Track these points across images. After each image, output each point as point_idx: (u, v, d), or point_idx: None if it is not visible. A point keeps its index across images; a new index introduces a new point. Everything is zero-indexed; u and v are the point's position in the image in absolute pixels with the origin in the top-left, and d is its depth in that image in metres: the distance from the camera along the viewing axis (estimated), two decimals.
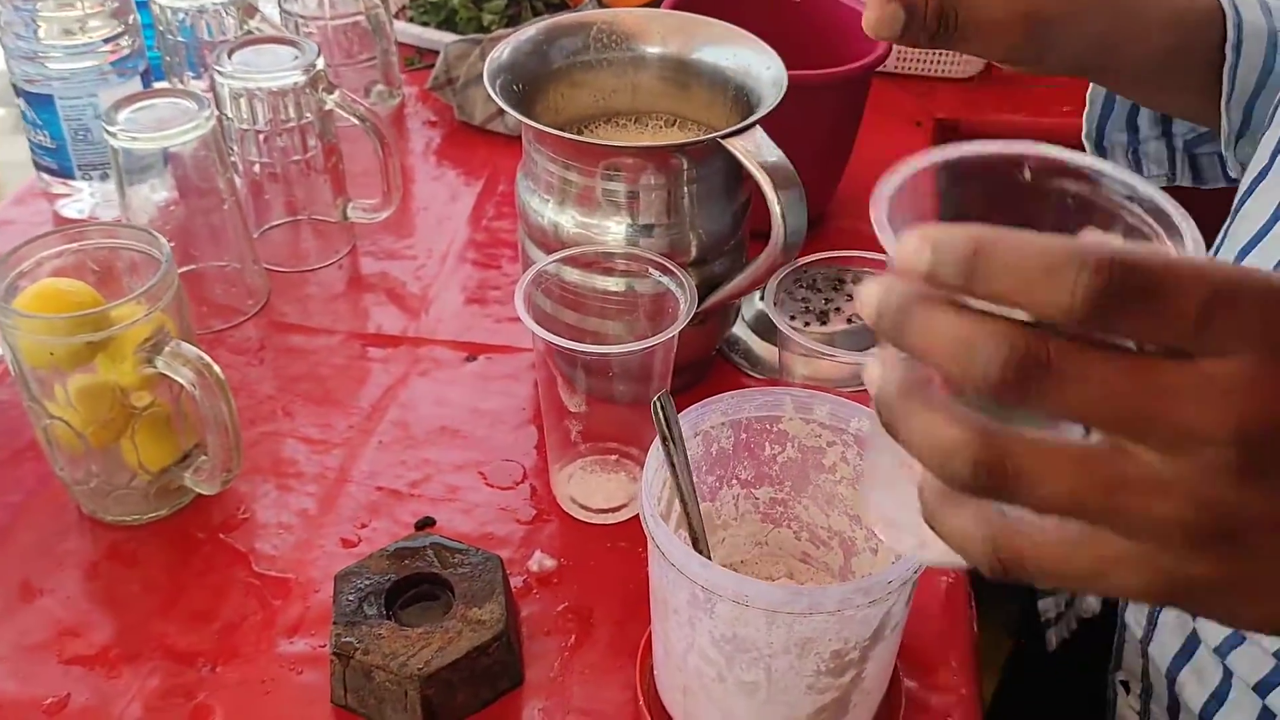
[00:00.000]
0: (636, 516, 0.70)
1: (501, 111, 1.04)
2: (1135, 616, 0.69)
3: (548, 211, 0.72)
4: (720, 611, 0.50)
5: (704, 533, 0.56)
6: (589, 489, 0.72)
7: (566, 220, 0.71)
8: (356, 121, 0.85)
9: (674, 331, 0.62)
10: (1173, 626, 0.65)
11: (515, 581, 0.66)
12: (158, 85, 0.99)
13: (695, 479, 0.57)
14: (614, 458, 0.73)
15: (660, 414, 0.54)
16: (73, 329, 0.61)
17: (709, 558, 0.57)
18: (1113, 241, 0.32)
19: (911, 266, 0.30)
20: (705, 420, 0.57)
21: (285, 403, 0.78)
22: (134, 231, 0.66)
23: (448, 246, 0.94)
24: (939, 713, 0.60)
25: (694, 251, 0.71)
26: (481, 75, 1.05)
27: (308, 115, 0.85)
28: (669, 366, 0.66)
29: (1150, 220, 0.34)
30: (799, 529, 0.62)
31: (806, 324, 0.73)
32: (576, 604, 0.65)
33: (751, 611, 0.49)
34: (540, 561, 0.67)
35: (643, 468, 0.71)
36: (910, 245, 0.30)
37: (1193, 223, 0.33)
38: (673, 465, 0.55)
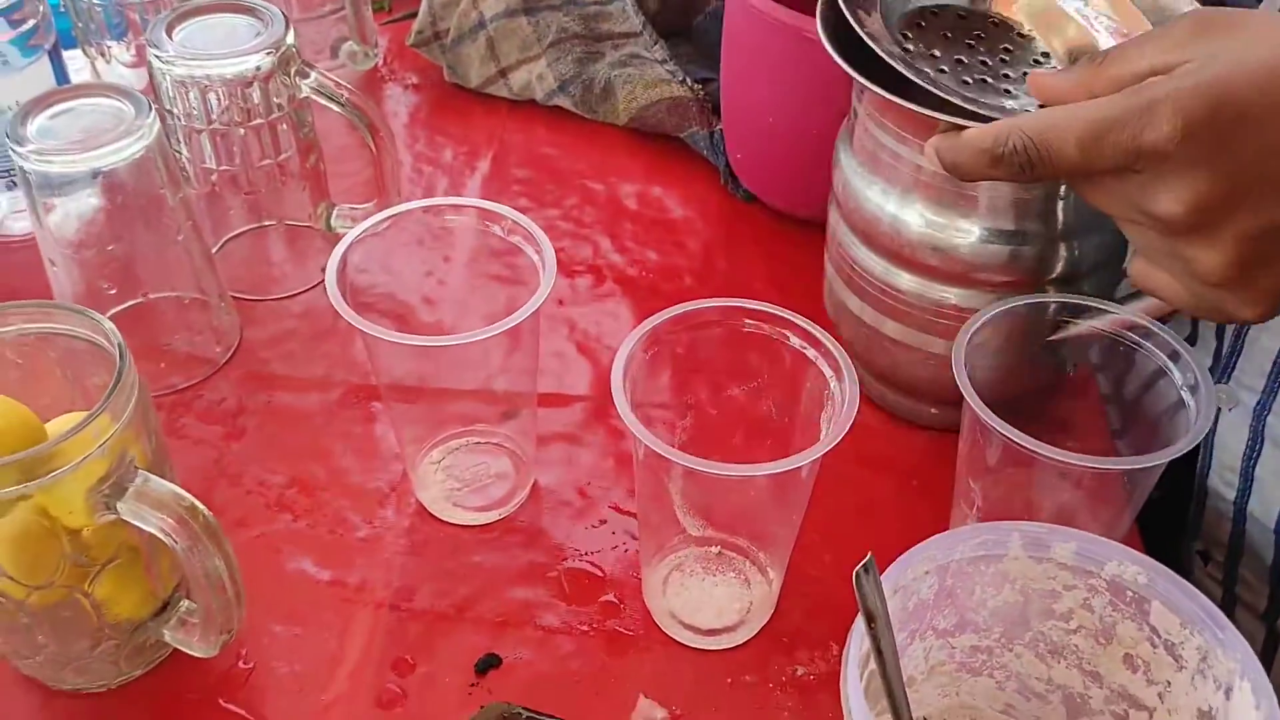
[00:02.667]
0: (756, 638, 0.55)
1: (504, 72, 0.85)
2: (1224, 478, 0.64)
3: (890, 205, 0.57)
4: None
5: None
6: (693, 600, 0.56)
7: (913, 216, 0.56)
8: (339, 110, 0.66)
9: (832, 444, 0.45)
10: (1273, 480, 0.61)
11: None
12: (69, 54, 0.79)
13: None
14: (715, 550, 0.58)
15: (867, 588, 0.38)
16: None
17: None
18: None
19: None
20: (908, 574, 0.42)
21: (280, 491, 0.61)
22: (72, 315, 0.48)
23: (458, 252, 0.75)
24: None
25: (1059, 267, 0.56)
26: (477, 26, 0.85)
27: (278, 106, 0.65)
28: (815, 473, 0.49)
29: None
30: (1004, 679, 0.47)
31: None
32: None
33: None
34: (649, 714, 0.52)
35: (753, 564, 0.56)
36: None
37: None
38: (879, 652, 0.39)
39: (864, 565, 0.38)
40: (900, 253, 0.57)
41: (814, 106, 0.69)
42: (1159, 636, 0.41)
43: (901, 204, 0.57)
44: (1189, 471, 0.68)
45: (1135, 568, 0.41)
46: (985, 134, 0.45)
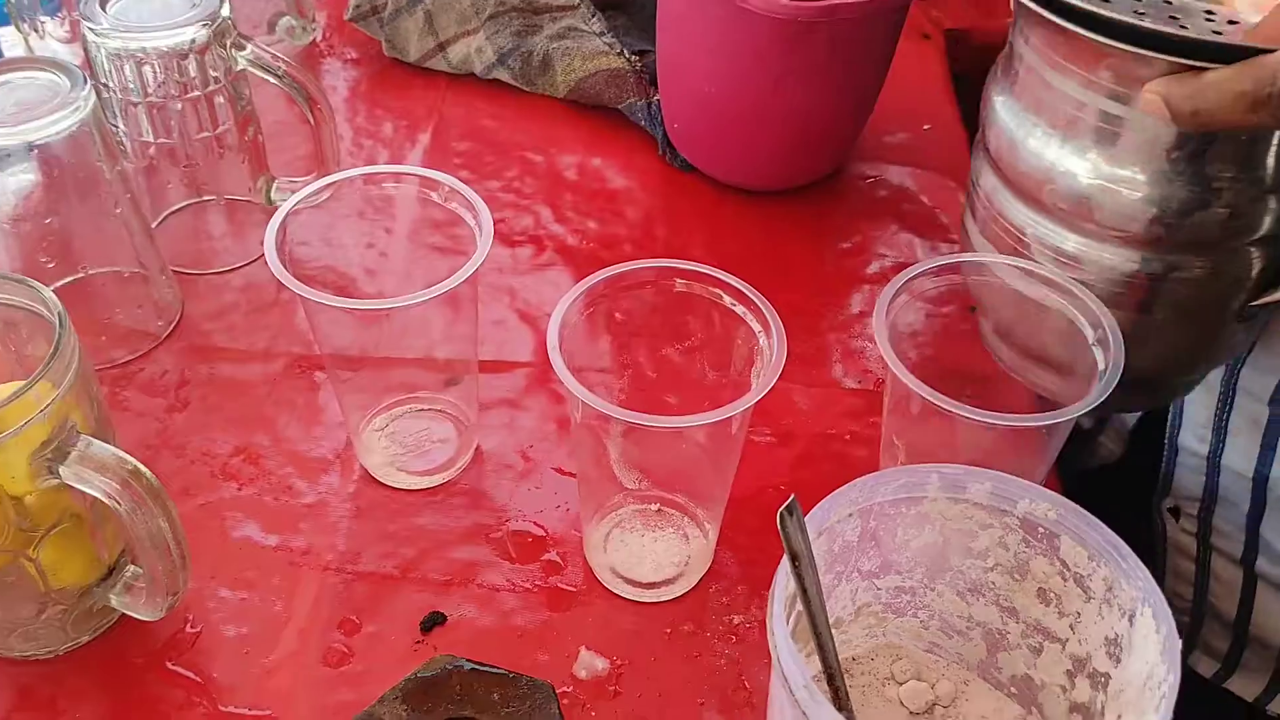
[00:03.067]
0: (694, 590, 0.57)
1: (442, 46, 0.86)
2: (1196, 434, 0.66)
3: (1049, 152, 0.51)
4: None
5: (840, 670, 0.43)
6: (633, 555, 0.57)
7: (1083, 167, 0.50)
8: (276, 82, 0.67)
9: (759, 396, 0.47)
10: (1248, 429, 0.63)
11: (559, 695, 0.52)
12: (2, 30, 0.79)
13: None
14: (654, 508, 0.59)
15: (791, 528, 0.40)
16: None
17: (849, 704, 0.43)
18: None
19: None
20: (831, 516, 0.43)
21: (225, 460, 0.62)
22: (10, 284, 0.48)
23: (402, 224, 0.76)
24: None
25: (1266, 224, 0.50)
26: (415, 0, 0.86)
27: (214, 79, 0.65)
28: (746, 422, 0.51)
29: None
30: (928, 618, 0.49)
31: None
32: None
33: None
34: (589, 665, 0.53)
35: (692, 520, 0.58)
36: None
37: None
38: (804, 591, 0.41)
39: (787, 507, 0.40)
40: (1082, 213, 0.51)
41: (748, 75, 0.71)
42: (1069, 570, 0.43)
43: (1095, 157, 0.49)
44: (1159, 432, 0.70)
45: (1045, 504, 0.43)
46: (1241, 75, 0.40)
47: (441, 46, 0.86)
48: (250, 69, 0.66)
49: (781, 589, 0.41)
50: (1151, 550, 0.73)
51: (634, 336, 0.59)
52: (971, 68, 0.94)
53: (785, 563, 0.40)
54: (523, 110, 0.85)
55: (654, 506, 0.59)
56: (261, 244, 0.55)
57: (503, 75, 0.86)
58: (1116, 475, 0.79)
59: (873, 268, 0.75)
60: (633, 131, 0.83)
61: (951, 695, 0.49)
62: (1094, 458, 0.81)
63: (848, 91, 0.73)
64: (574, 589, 0.57)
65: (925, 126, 0.86)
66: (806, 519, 0.42)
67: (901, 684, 0.49)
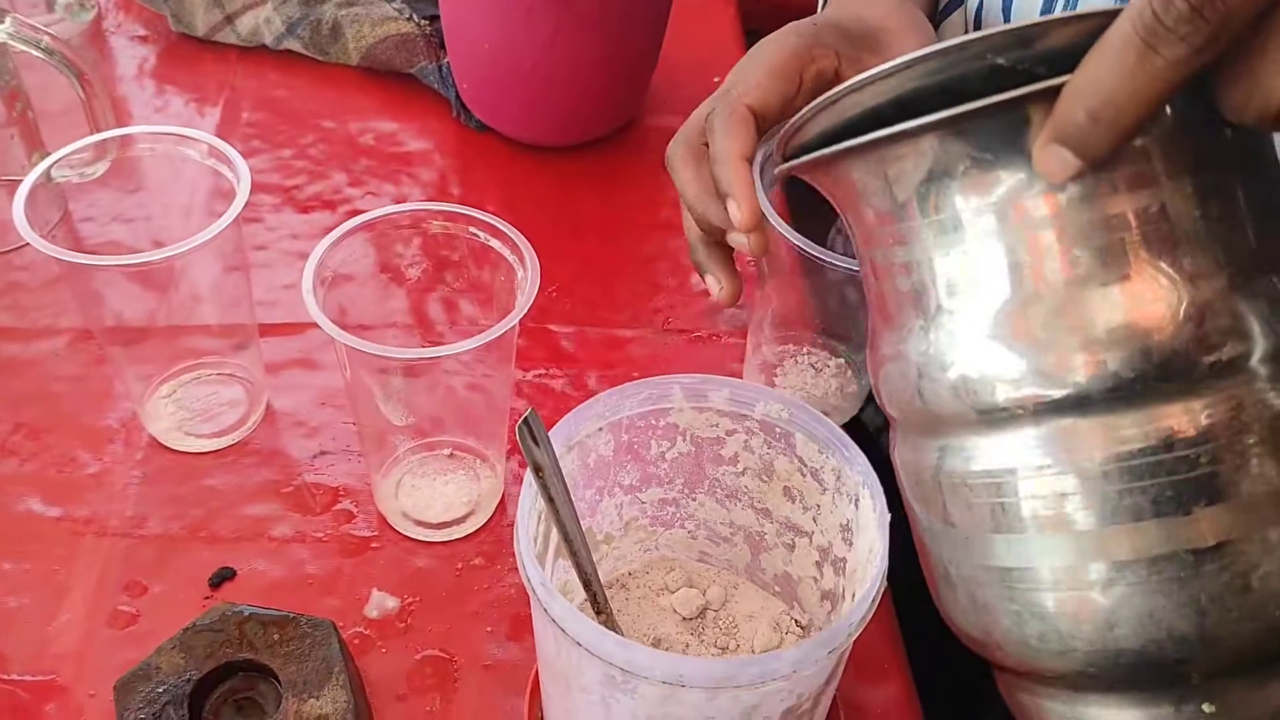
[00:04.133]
0: (486, 526, 0.58)
1: (230, 18, 0.85)
2: None
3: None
4: (645, 692, 0.39)
5: (597, 575, 0.45)
6: (423, 499, 0.59)
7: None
8: (40, 55, 0.66)
9: (515, 319, 0.49)
10: None
11: (350, 636, 0.53)
12: None
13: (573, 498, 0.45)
14: (447, 452, 0.60)
15: (529, 440, 0.42)
16: None
17: (608, 608, 0.46)
18: None
19: None
20: (580, 430, 0.45)
21: (4, 438, 0.61)
22: None
23: (190, 197, 0.75)
24: (876, 713, 0.52)
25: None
26: None
27: None
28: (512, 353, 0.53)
29: None
30: (694, 528, 0.52)
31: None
32: (435, 651, 0.53)
33: (687, 690, 0.38)
34: (380, 604, 0.54)
35: (483, 460, 0.60)
36: None
37: None
38: (551, 499, 0.43)
39: (524, 419, 0.41)
40: None
41: (523, 32, 0.72)
42: (805, 465, 0.46)
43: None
44: None
45: (778, 405, 0.46)
46: (1109, 36, 0.30)
47: (229, 19, 0.85)
48: (11, 43, 0.65)
49: (529, 501, 0.42)
50: None
51: (405, 288, 0.61)
52: (763, 23, 0.98)
53: (529, 475, 0.42)
54: (316, 79, 0.85)
55: (445, 452, 0.60)
56: (46, 223, 0.54)
57: (294, 45, 0.85)
58: None
59: (664, 215, 0.77)
60: (427, 95, 0.84)
61: (722, 599, 0.52)
62: None
63: (626, 44, 0.75)
64: (366, 535, 0.58)
65: (715, 78, 0.89)
66: (552, 432, 0.44)
67: (674, 593, 0.52)
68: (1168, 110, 0.32)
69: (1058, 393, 0.34)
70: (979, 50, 0.34)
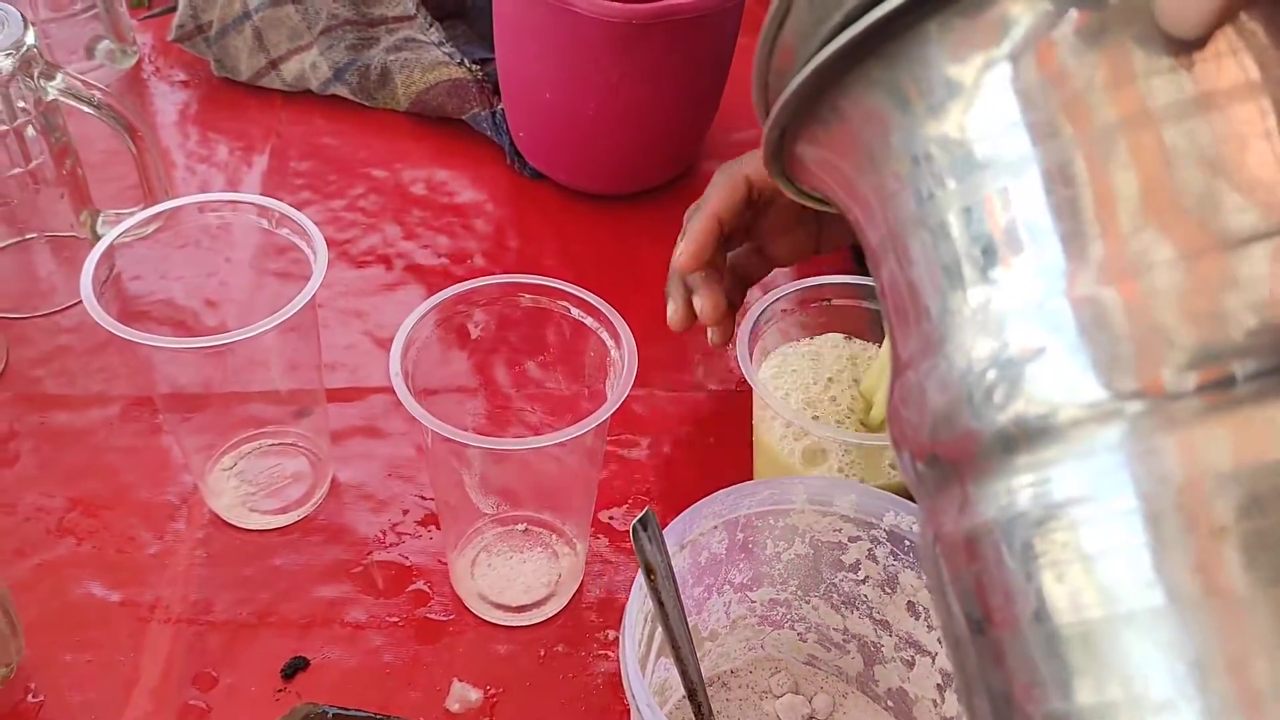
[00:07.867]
0: (566, 609, 0.56)
1: (275, 63, 0.83)
2: None
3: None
4: None
5: (703, 684, 0.42)
6: (501, 579, 0.56)
7: None
8: (91, 112, 0.63)
9: (614, 408, 0.46)
10: None
11: None
12: None
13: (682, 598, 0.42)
14: (521, 528, 0.58)
15: (643, 540, 0.39)
16: None
17: (711, 718, 0.43)
18: None
19: None
20: (694, 528, 0.43)
21: (61, 515, 0.58)
22: None
23: (241, 251, 0.73)
24: None
25: None
26: (242, 17, 0.83)
27: (23, 111, 0.62)
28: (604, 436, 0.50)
29: None
30: (805, 630, 0.49)
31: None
32: None
33: None
34: (462, 697, 0.52)
35: (559, 536, 0.57)
36: None
37: None
38: (661, 604, 0.40)
39: (640, 520, 0.39)
40: None
41: (585, 80, 0.70)
42: None
43: None
44: None
45: (909, 517, 0.43)
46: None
47: (274, 64, 0.83)
48: (62, 99, 0.62)
49: (637, 604, 0.40)
50: None
51: (487, 354, 0.58)
52: None
53: (640, 577, 0.40)
54: (364, 125, 0.83)
55: (520, 527, 0.58)
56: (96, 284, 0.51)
57: (341, 91, 0.83)
58: None
59: None
60: (480, 142, 0.82)
61: (829, 709, 0.49)
62: None
63: (689, 92, 0.73)
64: (443, 619, 0.55)
65: None
66: (666, 531, 0.41)
67: (779, 697, 0.49)
68: None
69: (1239, 368, 0.23)
70: None
